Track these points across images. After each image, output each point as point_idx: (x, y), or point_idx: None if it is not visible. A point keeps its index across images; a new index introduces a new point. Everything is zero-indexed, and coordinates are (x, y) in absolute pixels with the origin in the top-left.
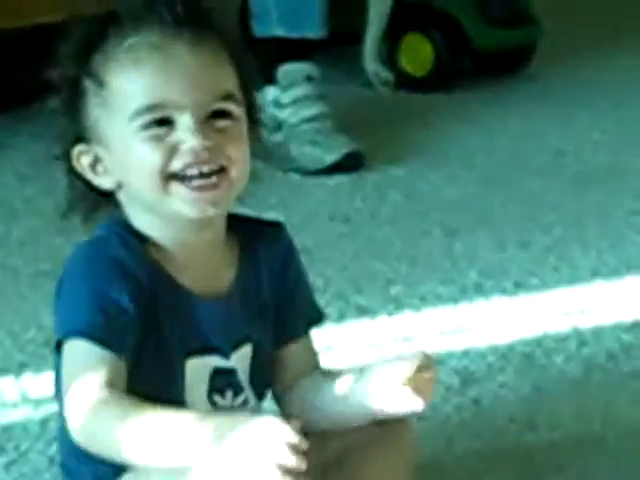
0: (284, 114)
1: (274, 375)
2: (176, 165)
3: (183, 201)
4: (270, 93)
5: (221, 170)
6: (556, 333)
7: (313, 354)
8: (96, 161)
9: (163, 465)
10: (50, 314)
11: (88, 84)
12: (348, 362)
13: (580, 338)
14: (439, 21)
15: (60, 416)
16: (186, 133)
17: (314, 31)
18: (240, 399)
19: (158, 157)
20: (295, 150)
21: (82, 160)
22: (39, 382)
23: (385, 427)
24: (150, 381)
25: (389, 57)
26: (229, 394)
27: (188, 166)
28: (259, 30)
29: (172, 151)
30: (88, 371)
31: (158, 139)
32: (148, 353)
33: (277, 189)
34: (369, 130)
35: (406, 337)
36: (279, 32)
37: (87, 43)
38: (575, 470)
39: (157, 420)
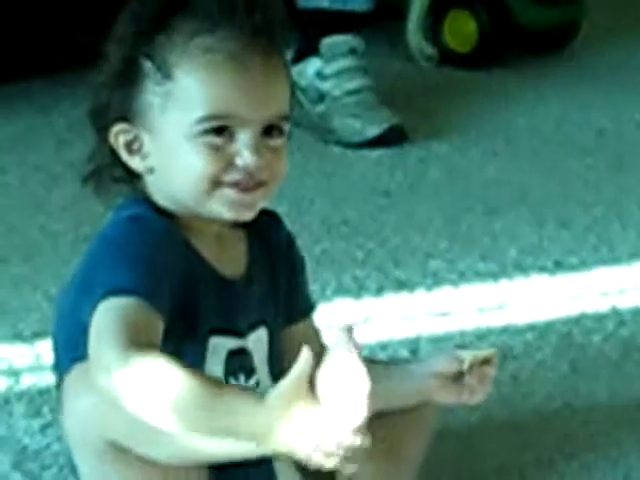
0: (327, 86)
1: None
2: (228, 178)
3: (222, 205)
4: (313, 65)
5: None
6: (594, 313)
7: (318, 335)
8: (134, 143)
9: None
10: None
11: (149, 68)
12: (385, 335)
13: (619, 318)
14: None
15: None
16: (246, 149)
17: (360, 4)
18: (252, 381)
19: (212, 167)
20: (337, 122)
21: (120, 138)
22: None
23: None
24: (177, 356)
25: (433, 32)
26: (242, 377)
27: (239, 180)
28: (304, 1)
29: (227, 163)
30: (134, 329)
31: (216, 149)
32: (178, 326)
33: (318, 161)
34: (411, 104)
35: (444, 312)
36: (324, 4)
37: (150, 24)
38: (610, 450)
39: (217, 402)
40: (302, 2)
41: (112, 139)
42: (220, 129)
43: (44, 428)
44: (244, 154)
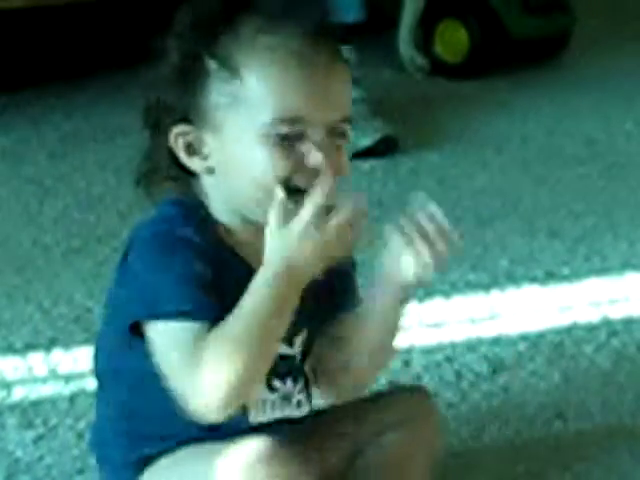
0: None
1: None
2: (299, 181)
3: None
4: None
5: None
6: (586, 323)
7: None
8: (194, 144)
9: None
10: (80, 290)
11: (214, 67)
12: None
13: (610, 328)
14: (475, 8)
15: (102, 396)
16: (316, 152)
17: (351, 15)
18: (299, 385)
19: (284, 169)
20: None
21: (180, 139)
22: (69, 358)
23: (414, 412)
24: None
25: (424, 43)
26: (289, 380)
27: (310, 182)
28: None
29: (298, 164)
30: (197, 349)
31: (287, 150)
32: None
33: None
34: (403, 115)
35: (436, 323)
36: None
37: (213, 21)
38: (603, 461)
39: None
40: None
41: (172, 140)
42: (290, 130)
43: (37, 440)
44: (315, 154)
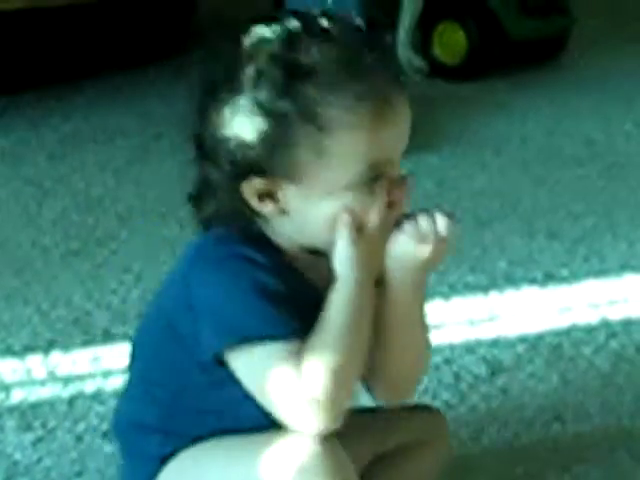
0: None
1: None
2: (374, 219)
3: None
4: None
5: None
6: (585, 324)
7: None
8: (270, 193)
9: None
10: (79, 292)
11: (296, 119)
12: None
13: (609, 330)
14: (473, 9)
15: (143, 396)
16: (397, 188)
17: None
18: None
19: (366, 207)
20: None
21: (255, 189)
22: (67, 360)
23: (433, 431)
24: None
25: (422, 45)
26: None
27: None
28: None
29: (372, 203)
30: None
31: (370, 192)
32: None
33: None
34: None
35: (434, 325)
36: None
37: (298, 72)
38: (602, 462)
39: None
40: None
41: (246, 190)
42: (378, 172)
43: (35, 443)
44: (396, 192)
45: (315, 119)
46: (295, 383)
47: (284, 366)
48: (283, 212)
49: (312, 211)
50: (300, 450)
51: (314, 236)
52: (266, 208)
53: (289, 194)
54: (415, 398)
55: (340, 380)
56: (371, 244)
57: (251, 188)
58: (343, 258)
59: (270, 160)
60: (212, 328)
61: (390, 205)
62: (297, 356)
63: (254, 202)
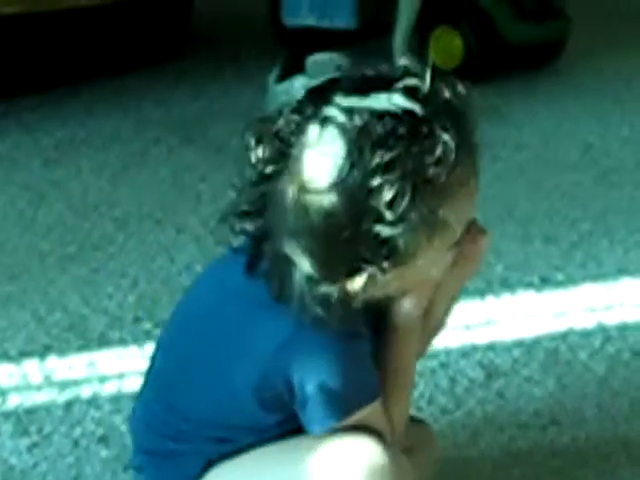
0: None
1: None
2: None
3: None
4: (299, 82)
5: None
6: (581, 329)
7: None
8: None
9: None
10: (75, 297)
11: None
12: None
13: (605, 334)
14: (469, 14)
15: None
16: (482, 238)
17: (345, 21)
18: None
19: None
20: None
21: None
22: (63, 365)
23: (424, 439)
24: None
25: (419, 49)
26: None
27: None
28: (289, 20)
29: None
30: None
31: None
32: None
33: None
34: None
35: None
36: (309, 22)
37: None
38: (598, 466)
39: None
40: (288, 21)
41: (351, 285)
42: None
43: (31, 448)
44: (483, 240)
45: (427, 208)
46: (386, 431)
47: (378, 420)
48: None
49: (409, 278)
50: (366, 455)
51: (394, 292)
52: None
53: (391, 275)
54: (411, 402)
55: (409, 411)
56: None
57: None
58: (415, 314)
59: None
60: (317, 411)
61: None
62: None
63: (355, 288)
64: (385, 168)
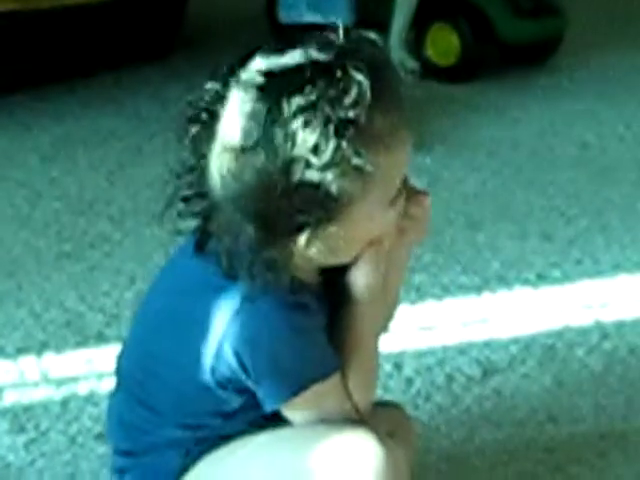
0: None
1: None
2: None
3: None
4: None
5: None
6: (578, 326)
7: None
8: (316, 237)
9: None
10: (71, 295)
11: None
12: None
13: (602, 331)
14: (466, 11)
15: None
16: (423, 194)
17: (341, 17)
18: None
19: (396, 218)
20: None
21: (305, 241)
22: (60, 362)
23: (400, 424)
24: None
25: (415, 46)
26: None
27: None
28: (285, 17)
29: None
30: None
31: (399, 206)
32: None
33: None
34: None
35: (427, 326)
36: (306, 18)
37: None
38: (595, 463)
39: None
40: (283, 17)
41: (295, 244)
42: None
43: (28, 444)
44: (425, 198)
45: (363, 158)
46: (347, 409)
47: (337, 397)
48: (318, 249)
49: (352, 235)
50: (370, 455)
51: (343, 257)
52: (309, 250)
53: (330, 232)
54: (408, 400)
55: (374, 390)
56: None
57: (307, 242)
58: (371, 283)
59: (319, 213)
60: (271, 387)
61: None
62: (341, 385)
63: (299, 250)
64: (304, 113)
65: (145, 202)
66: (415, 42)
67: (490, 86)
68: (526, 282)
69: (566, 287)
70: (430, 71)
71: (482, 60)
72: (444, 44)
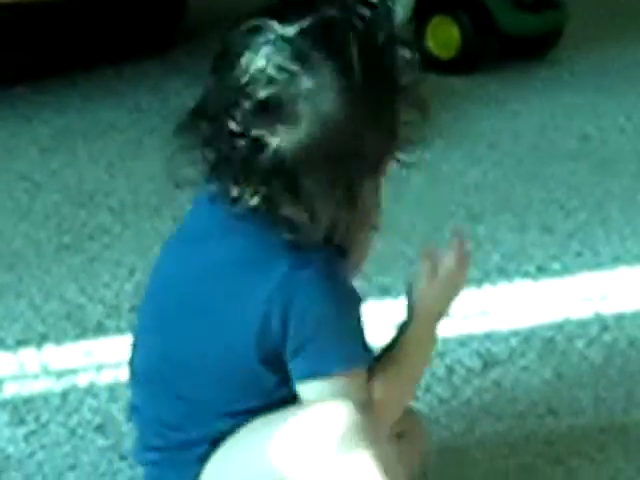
0: None
1: None
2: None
3: None
4: None
5: None
6: (578, 318)
7: None
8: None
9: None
10: (71, 287)
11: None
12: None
13: (602, 324)
14: (466, 4)
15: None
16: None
17: None
18: None
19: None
20: None
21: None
22: (60, 354)
23: (412, 425)
24: None
25: (416, 39)
26: None
27: None
28: None
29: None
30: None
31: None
32: None
33: None
34: None
35: None
36: None
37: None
38: (595, 456)
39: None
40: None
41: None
42: None
43: (28, 436)
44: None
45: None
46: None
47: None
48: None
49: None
50: (339, 419)
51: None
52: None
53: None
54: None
55: (399, 412)
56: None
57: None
58: (434, 313)
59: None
60: (306, 359)
61: None
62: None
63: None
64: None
65: (145, 194)
66: (415, 35)
67: (490, 79)
68: (526, 275)
69: (566, 279)
70: (430, 63)
71: (482, 53)
72: (444, 36)
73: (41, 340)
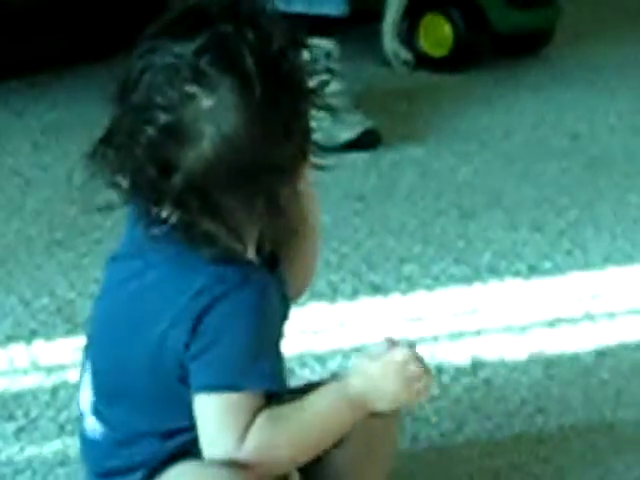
0: None
1: None
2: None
3: None
4: None
5: None
6: (569, 317)
7: None
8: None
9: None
10: (62, 282)
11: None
12: (359, 339)
13: (592, 322)
14: (458, 1)
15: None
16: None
17: (335, 8)
18: None
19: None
20: None
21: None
22: (50, 349)
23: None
24: None
25: (408, 36)
26: None
27: None
28: (279, 7)
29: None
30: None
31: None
32: None
33: None
34: (386, 108)
35: (418, 316)
36: (299, 8)
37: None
38: (585, 455)
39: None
40: (278, 7)
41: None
42: None
43: (17, 432)
44: None
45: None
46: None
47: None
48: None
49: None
50: None
51: (290, 237)
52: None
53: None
54: None
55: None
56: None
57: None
58: (365, 369)
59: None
60: (217, 366)
61: None
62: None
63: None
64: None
65: None
66: (408, 33)
67: (482, 76)
68: (517, 273)
69: (557, 278)
70: (423, 62)
71: (475, 50)
72: (437, 34)
73: (31, 336)
